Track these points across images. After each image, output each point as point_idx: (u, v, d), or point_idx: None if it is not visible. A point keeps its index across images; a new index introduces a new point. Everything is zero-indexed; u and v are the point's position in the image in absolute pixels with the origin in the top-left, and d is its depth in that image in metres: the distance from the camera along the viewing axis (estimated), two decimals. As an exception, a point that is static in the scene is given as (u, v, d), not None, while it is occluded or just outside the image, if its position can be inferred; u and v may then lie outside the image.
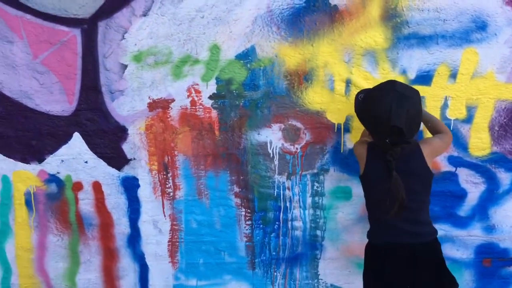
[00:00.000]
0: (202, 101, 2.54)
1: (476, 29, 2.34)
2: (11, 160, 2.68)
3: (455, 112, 2.42)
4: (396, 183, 1.88)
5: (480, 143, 2.45)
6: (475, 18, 2.33)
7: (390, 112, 1.86)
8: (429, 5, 2.33)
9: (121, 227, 2.73)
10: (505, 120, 2.41)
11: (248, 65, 2.46)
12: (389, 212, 1.89)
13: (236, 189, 2.63)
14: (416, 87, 2.21)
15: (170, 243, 2.74)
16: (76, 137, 2.63)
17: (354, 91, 2.41)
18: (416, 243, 1.98)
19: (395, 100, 1.89)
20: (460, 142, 2.46)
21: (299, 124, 2.52)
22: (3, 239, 2.78)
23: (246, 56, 2.46)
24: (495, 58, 2.35)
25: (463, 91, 2.40)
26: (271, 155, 2.57)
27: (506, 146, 2.44)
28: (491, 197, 2.50)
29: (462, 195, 2.51)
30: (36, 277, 2.83)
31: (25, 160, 2.68)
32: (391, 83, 2.02)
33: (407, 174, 1.92)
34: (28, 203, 2.73)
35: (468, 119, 2.43)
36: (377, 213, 2.07)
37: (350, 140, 2.51)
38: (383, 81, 2.19)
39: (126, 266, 2.78)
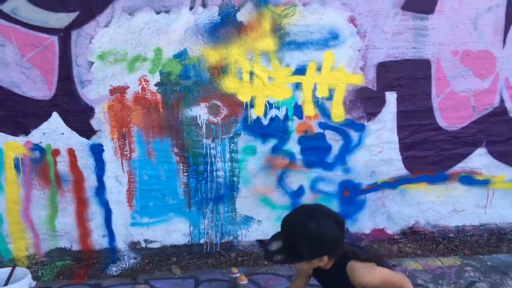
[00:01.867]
0: (149, 88, 3.56)
1: (331, 38, 3.57)
2: (3, 133, 3.54)
3: (321, 93, 3.64)
4: None
5: (338, 113, 3.68)
6: (331, 31, 3.56)
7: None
8: (301, 22, 3.52)
9: (90, 182, 3.67)
10: (352, 98, 3.67)
11: (182, 62, 3.53)
12: None
13: (176, 150, 3.68)
14: (295, 77, 3.43)
15: (128, 191, 3.72)
16: (55, 115, 3.54)
17: (256, 79, 3.56)
18: None
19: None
20: (326, 113, 3.68)
21: (219, 103, 3.62)
22: (-3, 195, 3.63)
23: (181, 55, 3.52)
24: (344, 57, 3.60)
25: (325, 79, 3.62)
26: (200, 125, 3.65)
27: (354, 115, 3.70)
28: (347, 149, 3.76)
29: (328, 148, 3.74)
30: (23, 223, 3.69)
31: (14, 134, 3.55)
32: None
33: None
34: (16, 166, 3.59)
35: (330, 97, 3.65)
36: None
37: (255, 113, 3.65)
38: (275, 73, 3.38)
39: (94, 211, 3.73)
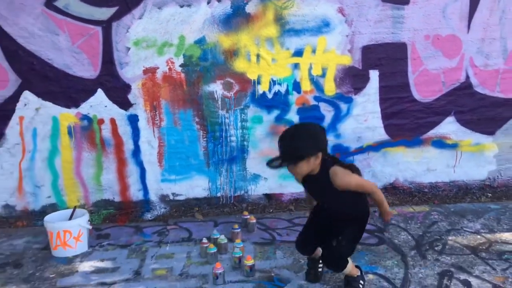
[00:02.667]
0: (175, 68, 4.37)
1: (324, 26, 4.33)
2: (58, 106, 4.39)
3: (316, 71, 4.41)
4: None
5: (330, 88, 4.45)
6: (323, 19, 4.32)
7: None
8: (299, 13, 4.28)
9: (128, 145, 4.52)
10: (341, 75, 4.43)
11: (201, 47, 4.32)
12: None
13: (197, 119, 4.50)
14: (294, 58, 4.22)
15: (158, 154, 4.56)
16: (99, 91, 4.38)
17: (262, 62, 4.34)
18: None
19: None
20: (320, 88, 4.46)
21: (231, 80, 4.42)
22: (54, 156, 4.50)
23: (200, 41, 4.32)
24: (335, 41, 4.36)
25: (319, 59, 4.39)
26: (216, 98, 4.46)
27: (343, 89, 4.47)
28: (337, 118, 4.53)
29: (322, 117, 4.52)
30: (75, 179, 4.57)
31: (67, 106, 4.40)
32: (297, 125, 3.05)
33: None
34: (69, 133, 4.45)
35: (323, 75, 4.42)
36: None
37: (261, 89, 4.44)
38: (278, 55, 4.18)
39: (132, 169, 4.58)
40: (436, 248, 3.41)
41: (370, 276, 3.02)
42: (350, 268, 2.76)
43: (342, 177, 2.55)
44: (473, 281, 2.90)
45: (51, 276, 3.32)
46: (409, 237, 3.65)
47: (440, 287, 2.85)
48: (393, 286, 2.89)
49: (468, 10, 4.33)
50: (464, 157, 4.64)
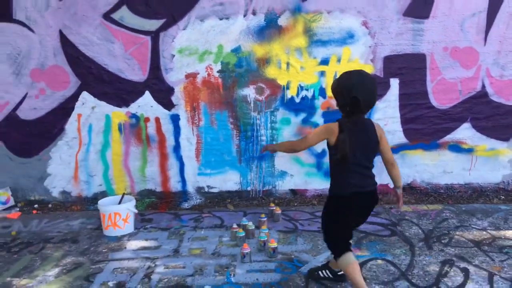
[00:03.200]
0: (213, 74, 4.90)
1: (348, 37, 4.76)
2: (110, 105, 5.00)
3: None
4: (345, 139, 2.52)
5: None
6: (348, 31, 4.74)
7: (352, 86, 2.49)
8: (326, 25, 4.73)
9: (170, 142, 5.08)
10: (364, 82, 4.84)
11: (237, 55, 4.84)
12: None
13: (231, 120, 5.01)
14: (321, 67, 4.66)
15: (196, 150, 5.10)
16: (147, 93, 4.96)
17: (292, 69, 4.81)
18: (370, 191, 2.71)
19: (359, 79, 2.53)
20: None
21: (263, 85, 4.91)
22: (105, 149, 5.11)
23: (236, 50, 4.83)
24: (358, 52, 4.78)
25: (343, 68, 4.80)
26: (249, 101, 4.96)
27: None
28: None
29: (345, 120, 4.93)
30: (123, 170, 5.17)
31: (119, 105, 5.01)
32: (357, 70, 2.66)
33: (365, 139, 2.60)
34: (119, 129, 5.06)
35: (347, 82, 4.84)
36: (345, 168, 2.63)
37: (290, 93, 4.91)
38: (306, 63, 4.63)
39: (172, 163, 5.14)
40: (443, 241, 3.77)
41: (379, 262, 3.42)
42: (345, 266, 2.70)
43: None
44: (472, 269, 3.25)
45: (104, 250, 3.89)
46: (420, 231, 4.02)
47: (440, 272, 3.22)
48: (398, 270, 3.28)
49: (485, 24, 4.65)
50: (480, 161, 4.94)
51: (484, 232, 3.92)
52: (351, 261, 2.68)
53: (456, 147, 4.93)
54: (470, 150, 4.92)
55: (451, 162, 4.97)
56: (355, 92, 2.49)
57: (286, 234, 4.07)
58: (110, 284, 3.26)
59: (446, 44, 4.70)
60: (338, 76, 2.60)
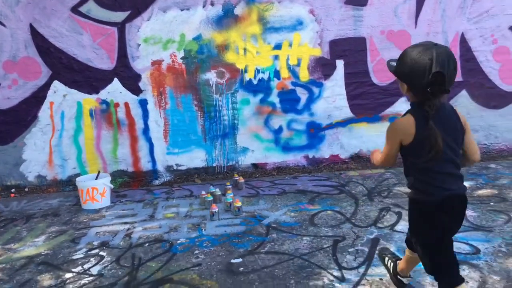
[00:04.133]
0: (177, 60, 5.36)
1: (298, 24, 5.33)
2: (82, 93, 5.37)
3: (292, 62, 5.41)
4: (433, 131, 1.93)
5: (304, 75, 5.45)
6: (297, 19, 5.32)
7: (433, 60, 1.90)
8: (277, 14, 5.28)
9: (139, 125, 5.51)
10: (313, 64, 5.43)
11: (199, 43, 5.32)
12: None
13: (195, 102, 5.49)
14: (274, 51, 5.22)
15: (164, 131, 5.55)
16: (116, 80, 5.36)
17: (248, 54, 5.34)
18: (463, 194, 2.10)
19: (437, 52, 1.92)
20: (296, 75, 5.45)
21: (223, 69, 5.41)
22: (78, 134, 5.47)
23: (197, 38, 5.31)
24: (307, 37, 5.36)
25: (295, 52, 5.38)
26: (211, 85, 5.45)
27: (315, 76, 5.47)
28: (311, 100, 5.53)
29: (298, 99, 5.51)
30: (95, 153, 5.55)
31: (89, 93, 5.38)
32: (431, 43, 2.01)
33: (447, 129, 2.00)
34: (91, 114, 5.43)
35: (298, 64, 5.42)
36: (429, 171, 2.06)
37: (248, 76, 5.43)
38: (261, 49, 5.18)
39: (142, 145, 5.56)
40: (382, 195, 4.41)
41: (329, 212, 4.02)
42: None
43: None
44: (404, 212, 3.89)
45: (85, 220, 4.30)
46: (364, 189, 4.65)
47: (378, 216, 3.85)
48: (344, 217, 3.88)
49: (415, 9, 5.34)
50: (416, 130, 5.62)
51: (418, 186, 4.59)
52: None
53: (395, 119, 5.58)
54: (407, 121, 5.60)
55: (392, 133, 5.63)
56: (438, 67, 1.92)
57: (249, 198, 4.61)
58: (95, 243, 3.69)
59: (383, 28, 5.36)
60: (401, 54, 2.10)
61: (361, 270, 2.93)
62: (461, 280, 2.17)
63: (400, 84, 2.21)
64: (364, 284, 2.75)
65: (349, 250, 3.24)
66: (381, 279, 2.79)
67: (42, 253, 3.57)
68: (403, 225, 3.60)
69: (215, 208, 4.04)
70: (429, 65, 1.94)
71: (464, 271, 2.81)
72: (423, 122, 2.02)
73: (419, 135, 2.04)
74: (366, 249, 3.23)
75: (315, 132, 5.61)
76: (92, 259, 3.40)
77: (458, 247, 3.09)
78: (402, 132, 2.14)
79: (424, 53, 1.97)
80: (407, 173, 2.26)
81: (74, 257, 3.45)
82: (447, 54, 1.97)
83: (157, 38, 5.28)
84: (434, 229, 2.13)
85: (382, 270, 2.90)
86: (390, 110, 5.58)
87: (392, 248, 3.19)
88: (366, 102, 5.54)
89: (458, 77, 5.42)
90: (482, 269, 2.83)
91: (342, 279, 2.83)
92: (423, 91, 1.99)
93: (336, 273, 2.91)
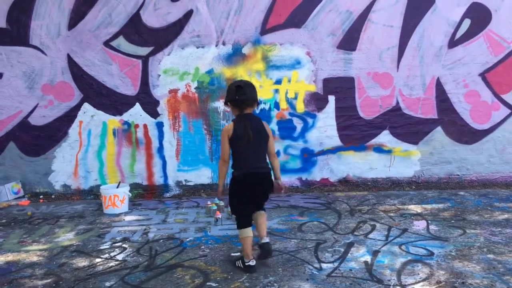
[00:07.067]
0: (191, 90, 6.22)
1: (296, 64, 6.21)
2: (107, 114, 6.21)
3: (290, 95, 6.26)
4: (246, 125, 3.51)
5: (300, 107, 6.29)
6: (296, 58, 6.20)
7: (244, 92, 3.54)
8: (279, 54, 6.17)
9: (155, 144, 6.31)
10: (308, 98, 6.27)
11: (210, 75, 6.19)
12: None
13: (205, 127, 6.31)
14: (275, 86, 6.09)
15: (176, 151, 6.35)
16: (137, 105, 6.21)
17: (252, 87, 6.19)
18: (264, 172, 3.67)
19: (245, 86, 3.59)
20: (293, 107, 6.29)
21: (230, 99, 6.25)
22: (101, 150, 6.28)
23: (209, 72, 6.18)
24: (304, 74, 6.23)
25: (293, 87, 6.24)
26: (219, 112, 6.28)
27: (309, 108, 6.30)
28: (305, 129, 6.35)
29: (294, 128, 6.33)
30: (115, 167, 6.34)
31: (114, 114, 6.22)
32: (239, 81, 3.80)
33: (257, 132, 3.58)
34: (113, 133, 6.25)
35: (295, 97, 6.26)
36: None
37: (251, 106, 6.25)
38: (264, 83, 6.04)
39: (157, 161, 6.35)
40: (362, 211, 5.16)
41: (315, 223, 4.75)
42: (242, 242, 3.62)
43: None
44: (378, 224, 4.63)
45: (107, 221, 5.05)
46: (347, 206, 5.40)
47: (356, 226, 4.58)
48: (327, 226, 4.62)
49: (397, 55, 6.22)
50: (397, 160, 6.42)
51: (393, 207, 5.35)
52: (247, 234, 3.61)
53: (379, 149, 6.40)
54: (389, 151, 6.41)
55: (375, 161, 6.43)
56: (240, 85, 3.63)
57: (248, 210, 5.35)
58: (118, 238, 4.43)
59: (369, 70, 6.23)
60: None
61: (336, 264, 3.65)
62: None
63: (230, 108, 3.75)
64: (336, 273, 3.47)
65: (328, 250, 3.97)
66: (350, 270, 3.51)
67: (74, 244, 4.30)
68: (375, 234, 4.34)
69: (219, 214, 4.80)
70: (236, 88, 3.55)
71: (418, 267, 3.53)
72: (240, 124, 3.54)
73: (237, 131, 3.53)
74: (342, 250, 3.95)
75: (308, 157, 6.39)
76: (116, 249, 4.13)
77: (416, 250, 3.85)
78: (226, 131, 3.62)
79: (233, 83, 3.68)
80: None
81: (101, 248, 4.19)
82: (247, 83, 3.70)
83: (175, 70, 6.14)
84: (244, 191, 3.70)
85: (353, 264, 3.63)
86: (374, 141, 6.38)
87: (364, 249, 3.92)
88: (353, 132, 6.35)
89: (434, 115, 6.26)
90: (433, 266, 3.55)
91: (320, 269, 3.55)
92: (236, 105, 3.59)
93: (316, 265, 3.63)
